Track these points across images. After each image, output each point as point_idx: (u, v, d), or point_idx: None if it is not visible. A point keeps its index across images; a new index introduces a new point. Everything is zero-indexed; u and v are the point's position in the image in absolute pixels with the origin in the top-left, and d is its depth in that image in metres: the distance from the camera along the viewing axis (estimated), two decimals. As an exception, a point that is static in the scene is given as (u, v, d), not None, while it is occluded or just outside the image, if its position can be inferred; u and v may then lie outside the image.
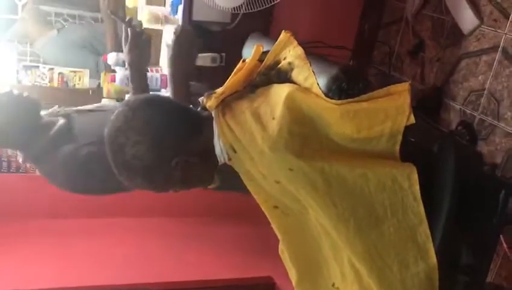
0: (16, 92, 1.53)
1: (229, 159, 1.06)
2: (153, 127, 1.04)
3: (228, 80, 1.10)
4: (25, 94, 1.55)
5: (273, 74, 1.09)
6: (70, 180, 1.50)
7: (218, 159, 1.08)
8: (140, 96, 1.16)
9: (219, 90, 1.09)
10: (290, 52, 1.07)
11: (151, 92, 2.15)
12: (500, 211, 1.09)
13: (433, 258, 0.97)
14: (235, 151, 1.03)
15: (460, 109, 2.21)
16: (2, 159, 2.41)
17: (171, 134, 1.06)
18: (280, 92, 1.01)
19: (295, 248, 1.16)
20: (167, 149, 1.05)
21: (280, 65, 1.08)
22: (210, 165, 1.11)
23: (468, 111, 2.17)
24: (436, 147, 1.04)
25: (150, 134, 1.03)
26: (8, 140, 1.54)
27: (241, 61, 1.15)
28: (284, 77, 1.07)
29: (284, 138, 0.94)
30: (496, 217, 1.09)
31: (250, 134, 0.99)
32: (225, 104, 1.07)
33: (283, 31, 1.10)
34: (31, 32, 2.70)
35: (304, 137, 0.96)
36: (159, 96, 1.19)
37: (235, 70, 1.13)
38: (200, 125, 1.09)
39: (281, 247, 1.21)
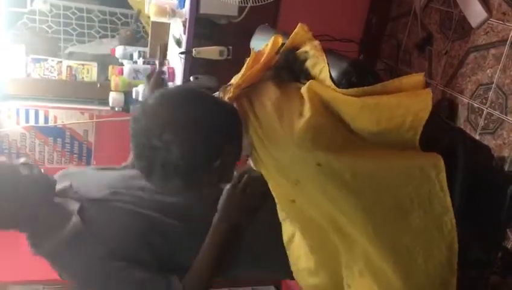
0: (25, 171, 1.19)
1: (250, 155, 1.06)
2: (199, 126, 0.97)
3: (244, 72, 1.06)
4: (36, 170, 1.21)
5: (291, 58, 1.07)
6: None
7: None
8: (177, 89, 1.12)
9: (236, 82, 1.05)
10: (306, 43, 1.06)
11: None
12: (508, 206, 1.09)
13: (456, 245, 0.97)
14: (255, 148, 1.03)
15: (468, 102, 2.20)
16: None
17: (218, 133, 1.00)
18: (301, 87, 0.99)
19: (311, 239, 1.17)
20: (214, 149, 0.99)
21: (298, 52, 1.07)
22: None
23: (476, 105, 2.16)
24: (444, 142, 1.03)
25: (198, 132, 0.97)
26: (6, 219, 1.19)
27: (251, 52, 1.10)
28: (299, 65, 1.06)
29: (311, 133, 0.93)
30: (504, 211, 1.09)
31: (273, 130, 0.97)
32: (243, 95, 1.04)
33: (299, 23, 1.08)
34: None
35: (329, 130, 0.95)
36: (196, 91, 1.05)
37: (248, 60, 1.08)
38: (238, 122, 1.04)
39: (291, 236, 1.22)
